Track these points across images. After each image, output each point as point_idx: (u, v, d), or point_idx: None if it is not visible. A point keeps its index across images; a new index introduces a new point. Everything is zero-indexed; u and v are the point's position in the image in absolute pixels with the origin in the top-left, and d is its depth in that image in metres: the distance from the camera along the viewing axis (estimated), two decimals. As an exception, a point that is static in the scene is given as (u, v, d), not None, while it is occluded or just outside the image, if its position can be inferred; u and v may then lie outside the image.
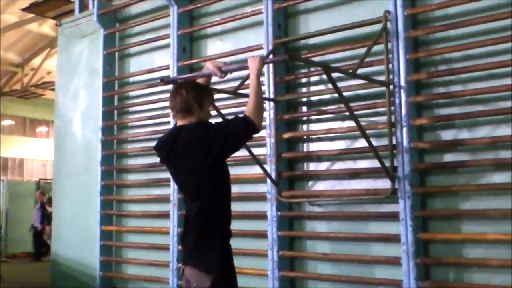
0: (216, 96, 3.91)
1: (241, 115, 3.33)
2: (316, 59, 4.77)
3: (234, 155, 3.67)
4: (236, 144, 3.39)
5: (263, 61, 3.53)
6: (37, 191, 14.87)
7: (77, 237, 6.86)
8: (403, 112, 4.18)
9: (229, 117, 4.41)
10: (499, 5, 3.94)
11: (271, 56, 4.86)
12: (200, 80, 3.83)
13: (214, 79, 3.99)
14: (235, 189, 3.50)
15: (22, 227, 14.60)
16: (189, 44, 5.94)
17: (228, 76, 3.95)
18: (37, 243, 14.24)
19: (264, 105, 4.82)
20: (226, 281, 3.24)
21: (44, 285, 7.97)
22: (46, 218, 13.92)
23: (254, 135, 3.39)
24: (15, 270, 12.28)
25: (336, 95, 4.13)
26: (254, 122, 3.26)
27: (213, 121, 3.50)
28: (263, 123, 4.72)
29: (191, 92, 3.39)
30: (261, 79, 4.83)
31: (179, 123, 3.41)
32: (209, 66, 3.83)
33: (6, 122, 25.39)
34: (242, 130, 3.29)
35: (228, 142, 3.28)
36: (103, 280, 6.36)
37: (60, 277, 7.03)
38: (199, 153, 3.23)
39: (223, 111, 4.59)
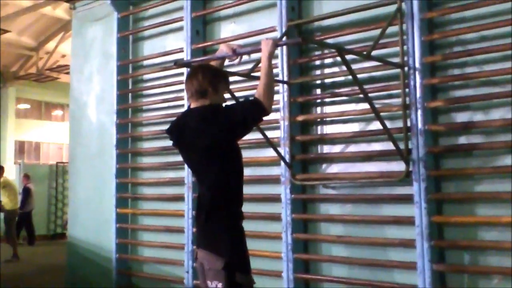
0: (229, 79, 3.91)
1: (251, 98, 3.34)
2: (330, 41, 4.74)
3: (247, 137, 3.70)
4: (246, 126, 3.39)
5: (276, 43, 3.51)
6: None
7: (93, 220, 6.94)
8: (418, 94, 4.15)
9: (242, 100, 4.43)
10: (516, -15, 3.88)
11: (284, 39, 4.83)
12: (213, 63, 3.83)
13: (227, 62, 3.99)
14: (248, 172, 3.52)
15: (39, 210, 14.75)
16: (202, 26, 5.92)
17: (242, 59, 3.96)
18: (17, 227, 13.18)
19: (278, 87, 4.84)
20: (239, 264, 3.25)
21: (61, 267, 8.07)
22: (27, 202, 13.50)
23: (266, 118, 3.40)
24: (31, 252, 12.46)
25: (350, 77, 4.11)
26: (264, 104, 3.26)
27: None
28: (277, 106, 4.77)
29: (207, 75, 3.39)
30: (275, 61, 4.85)
31: (193, 105, 3.43)
32: (223, 49, 3.83)
33: (22, 106, 25.59)
34: (252, 112, 3.29)
35: (237, 125, 3.30)
36: (118, 262, 6.43)
37: (76, 259, 7.13)
38: (207, 135, 3.25)
39: (237, 94, 4.59)
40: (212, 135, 3.25)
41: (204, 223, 3.30)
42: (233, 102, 4.26)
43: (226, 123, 3.26)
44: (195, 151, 3.34)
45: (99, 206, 6.84)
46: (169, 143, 3.68)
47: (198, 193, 3.49)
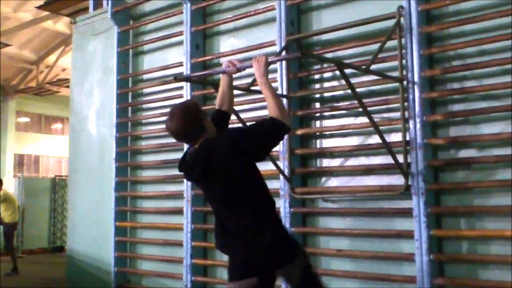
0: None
1: (268, 118, 3.31)
2: (329, 55, 4.77)
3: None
4: (270, 146, 3.39)
5: (267, 61, 3.50)
6: None
7: (92, 233, 6.92)
8: (417, 108, 4.16)
9: (241, 114, 4.45)
10: (513, 0, 3.91)
11: (284, 53, 4.86)
12: (222, 80, 3.82)
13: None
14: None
15: (38, 223, 14.72)
16: (202, 41, 5.95)
17: (242, 73, 3.97)
18: None
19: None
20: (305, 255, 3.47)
21: (61, 280, 8.03)
22: None
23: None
24: (31, 266, 12.39)
25: (349, 91, 4.12)
26: (284, 121, 3.25)
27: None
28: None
29: (188, 110, 3.35)
30: (274, 75, 4.87)
31: (198, 143, 3.33)
32: (224, 63, 3.85)
33: (22, 119, 25.61)
34: (274, 131, 3.26)
35: (262, 146, 3.29)
36: (117, 276, 6.41)
37: (75, 272, 7.10)
38: (239, 163, 3.22)
39: (237, 108, 4.60)
40: (244, 163, 3.24)
41: (270, 246, 3.24)
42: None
43: (253, 147, 3.24)
44: (229, 182, 3.25)
45: (98, 219, 6.83)
46: (168, 156, 3.67)
47: (225, 222, 3.38)
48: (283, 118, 3.25)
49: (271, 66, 3.72)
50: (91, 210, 6.99)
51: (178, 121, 3.30)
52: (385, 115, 4.52)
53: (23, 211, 14.58)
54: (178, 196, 5.82)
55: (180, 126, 3.30)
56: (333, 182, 4.84)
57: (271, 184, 5.03)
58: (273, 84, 4.92)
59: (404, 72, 4.24)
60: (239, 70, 3.80)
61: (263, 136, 3.25)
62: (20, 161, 25.45)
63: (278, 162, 4.84)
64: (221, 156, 3.22)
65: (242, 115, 4.49)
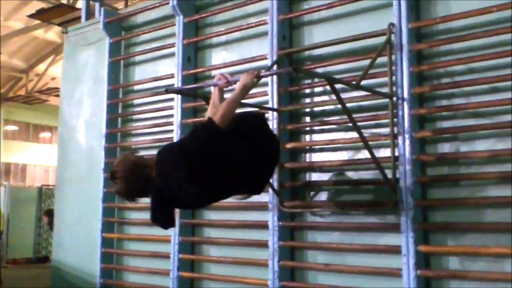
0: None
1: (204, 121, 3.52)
2: (320, 70, 4.80)
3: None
4: (200, 144, 3.46)
5: (257, 75, 3.58)
6: None
7: (78, 244, 6.87)
8: (406, 124, 4.19)
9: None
10: (501, 20, 3.96)
11: (275, 67, 4.88)
12: (214, 94, 3.86)
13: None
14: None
15: (24, 233, 14.60)
16: (194, 53, 5.96)
17: (233, 86, 4.00)
18: None
19: (268, 115, 4.88)
20: None
21: (44, 292, 7.97)
22: None
23: None
24: (15, 276, 12.28)
25: (339, 106, 4.15)
26: (213, 120, 3.37)
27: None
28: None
29: (125, 166, 3.49)
30: (265, 89, 4.90)
31: (152, 190, 3.49)
32: (216, 77, 3.88)
33: (10, 128, 25.48)
34: (202, 130, 3.43)
35: (196, 146, 3.40)
36: (103, 288, 6.36)
37: (60, 283, 7.03)
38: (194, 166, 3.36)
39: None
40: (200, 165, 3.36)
41: None
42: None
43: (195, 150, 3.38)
44: (202, 184, 3.40)
45: (85, 230, 6.78)
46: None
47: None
48: (217, 118, 3.36)
49: (262, 80, 3.76)
50: (78, 221, 6.93)
51: (122, 183, 3.45)
52: (375, 130, 4.55)
53: (8, 220, 14.49)
54: (166, 207, 5.79)
55: (126, 185, 3.46)
56: (322, 196, 4.85)
57: (260, 197, 5.05)
58: (264, 98, 4.99)
59: (394, 89, 4.27)
60: (230, 83, 3.82)
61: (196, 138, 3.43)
62: (6, 170, 25.27)
63: (267, 176, 4.84)
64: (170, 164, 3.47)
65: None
